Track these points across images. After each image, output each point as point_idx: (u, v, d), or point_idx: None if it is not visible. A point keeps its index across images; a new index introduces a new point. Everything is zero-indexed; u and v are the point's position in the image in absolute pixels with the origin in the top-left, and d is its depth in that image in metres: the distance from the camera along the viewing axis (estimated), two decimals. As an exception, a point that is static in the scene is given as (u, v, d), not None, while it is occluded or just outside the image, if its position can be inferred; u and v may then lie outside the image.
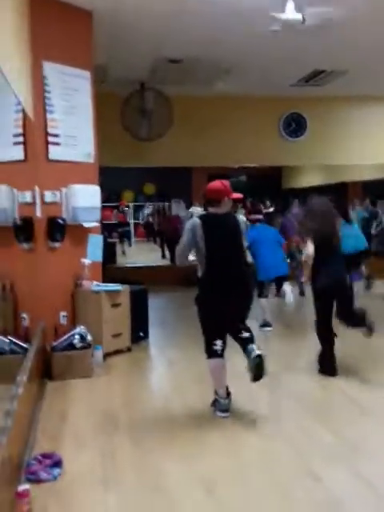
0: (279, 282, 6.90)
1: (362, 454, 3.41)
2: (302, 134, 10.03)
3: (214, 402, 4.09)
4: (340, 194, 14.80)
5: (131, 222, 18.30)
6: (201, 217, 3.96)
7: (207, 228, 3.85)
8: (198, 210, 12.52)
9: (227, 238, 3.92)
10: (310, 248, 4.81)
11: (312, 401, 4.39)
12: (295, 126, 10.00)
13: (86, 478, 3.14)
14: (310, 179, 19.43)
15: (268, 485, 3.04)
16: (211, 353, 3.99)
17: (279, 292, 7.17)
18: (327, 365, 4.89)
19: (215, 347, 3.96)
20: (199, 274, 3.95)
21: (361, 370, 5.02)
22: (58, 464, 3.22)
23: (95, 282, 5.47)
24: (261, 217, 7.04)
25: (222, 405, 4.02)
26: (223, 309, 3.91)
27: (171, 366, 5.43)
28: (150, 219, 17.93)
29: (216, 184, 4.01)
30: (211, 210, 4.01)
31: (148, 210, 18.42)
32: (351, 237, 6.61)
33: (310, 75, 8.44)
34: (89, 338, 5.02)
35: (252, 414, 4.04)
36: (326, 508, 2.81)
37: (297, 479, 3.10)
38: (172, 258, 12.20)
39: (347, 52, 7.30)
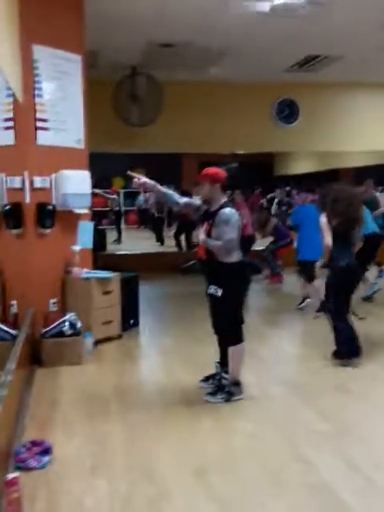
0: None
1: (352, 438, 3.44)
2: (295, 121, 9.96)
3: (227, 390, 4.07)
4: (331, 180, 14.81)
5: (122, 208, 18.19)
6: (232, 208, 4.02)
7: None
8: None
9: None
10: (328, 238, 4.89)
11: (302, 386, 4.41)
12: (288, 112, 9.93)
13: (76, 465, 3.14)
14: (302, 166, 19.43)
15: (259, 470, 3.06)
16: (241, 337, 4.07)
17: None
18: (352, 346, 4.82)
19: (242, 331, 4.08)
20: (230, 259, 3.93)
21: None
22: (47, 451, 3.21)
23: (85, 269, 5.44)
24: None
25: (239, 387, 4.09)
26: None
27: (162, 354, 5.43)
28: (147, 205, 17.84)
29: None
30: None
31: (145, 196, 18.30)
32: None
33: (303, 61, 8.37)
34: (79, 325, 5.01)
35: (243, 399, 4.06)
36: (316, 492, 2.83)
37: (287, 464, 3.12)
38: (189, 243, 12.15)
39: (341, 38, 7.24)
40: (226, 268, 3.94)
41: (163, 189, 4.13)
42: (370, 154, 13.31)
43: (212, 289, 3.99)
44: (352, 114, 10.12)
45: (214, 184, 3.96)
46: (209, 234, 3.95)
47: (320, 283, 6.11)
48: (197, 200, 4.26)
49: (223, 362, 4.19)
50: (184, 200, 4.20)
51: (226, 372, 4.14)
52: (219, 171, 4.03)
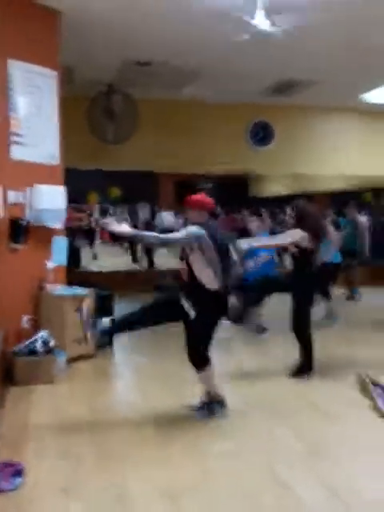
0: None
1: (327, 460, 3.38)
2: (270, 143, 10.08)
3: (209, 406, 4.05)
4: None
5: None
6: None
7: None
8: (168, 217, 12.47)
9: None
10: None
11: (278, 406, 4.36)
12: (262, 134, 10.04)
13: (48, 487, 3.04)
14: (276, 188, 19.65)
15: (235, 493, 2.99)
16: (208, 359, 4.00)
17: None
18: (311, 364, 4.99)
19: (207, 354, 4.01)
20: (212, 286, 3.89)
21: (326, 375, 5.04)
22: (19, 473, 3.10)
23: (59, 286, 5.34)
24: None
25: (223, 404, 4.06)
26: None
27: (135, 373, 5.34)
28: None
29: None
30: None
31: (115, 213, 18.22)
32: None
33: (277, 84, 8.51)
34: (52, 343, 4.89)
35: (216, 419, 4.00)
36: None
37: (264, 487, 3.06)
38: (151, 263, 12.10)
39: (315, 63, 7.39)
40: (205, 294, 3.91)
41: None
42: (345, 178, 13.51)
43: (186, 305, 3.95)
44: (326, 138, 10.28)
45: (201, 210, 3.97)
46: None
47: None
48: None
49: None
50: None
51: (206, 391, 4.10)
52: (205, 201, 4.04)
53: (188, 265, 3.94)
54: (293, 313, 4.99)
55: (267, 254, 6.50)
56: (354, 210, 9.36)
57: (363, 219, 9.48)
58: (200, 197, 4.07)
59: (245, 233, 8.36)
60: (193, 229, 3.86)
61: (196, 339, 3.98)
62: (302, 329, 5.00)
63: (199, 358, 3.98)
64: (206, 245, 3.86)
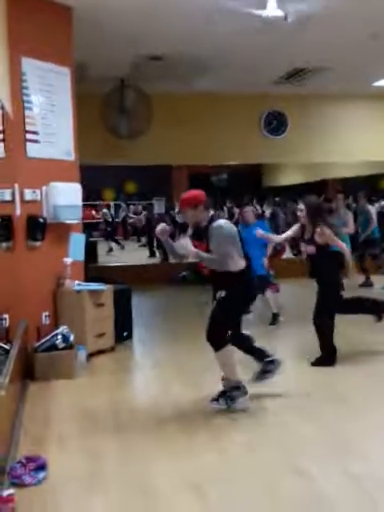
0: None
1: (349, 450, 3.39)
2: (283, 132, 10.02)
3: (229, 394, 4.04)
4: (320, 191, 14.94)
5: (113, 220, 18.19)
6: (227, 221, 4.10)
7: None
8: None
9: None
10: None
11: (300, 396, 4.36)
12: (276, 123, 9.99)
13: (72, 481, 3.08)
14: (290, 177, 19.55)
15: (256, 483, 3.01)
16: (226, 340, 4.02)
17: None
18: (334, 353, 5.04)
19: (227, 336, 4.06)
20: (233, 268, 3.95)
21: (346, 364, 5.04)
22: (42, 467, 3.15)
23: (77, 282, 5.39)
24: None
25: (243, 390, 4.05)
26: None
27: (155, 366, 5.38)
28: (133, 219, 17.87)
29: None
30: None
31: (125, 210, 18.32)
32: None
33: (290, 73, 8.45)
34: (71, 338, 4.95)
35: (237, 412, 4.01)
36: (314, 505, 2.78)
37: (284, 477, 3.07)
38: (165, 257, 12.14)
39: (328, 50, 7.31)
40: (230, 277, 3.96)
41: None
42: (358, 165, 13.42)
43: (219, 294, 4.00)
44: (340, 126, 10.20)
45: (196, 207, 3.98)
46: (207, 251, 3.95)
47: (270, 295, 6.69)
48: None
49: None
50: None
51: (223, 378, 4.11)
52: (196, 193, 4.06)
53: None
54: (317, 304, 5.03)
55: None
56: (364, 199, 9.37)
57: (371, 207, 9.47)
58: (190, 194, 4.09)
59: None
60: (224, 226, 3.91)
61: (218, 319, 3.99)
62: (323, 319, 5.00)
63: (217, 338, 3.99)
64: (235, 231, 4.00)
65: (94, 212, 17.44)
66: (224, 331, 4.05)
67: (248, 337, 4.39)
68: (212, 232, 3.90)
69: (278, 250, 8.84)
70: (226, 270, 3.96)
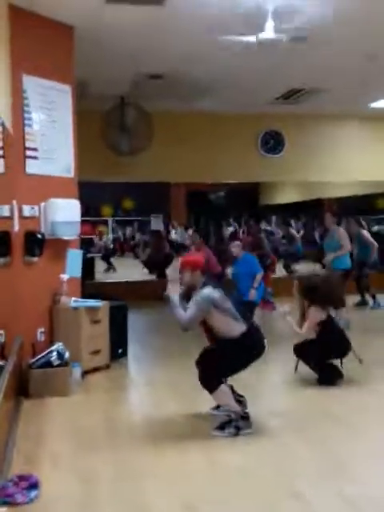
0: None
1: (345, 472, 3.37)
2: (280, 151, 10.13)
3: (237, 423, 3.98)
4: (316, 209, 15.03)
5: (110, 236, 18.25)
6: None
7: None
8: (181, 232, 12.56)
9: None
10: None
11: (296, 417, 4.36)
12: (273, 143, 10.10)
13: (64, 500, 3.05)
14: (286, 195, 19.64)
15: (251, 506, 2.98)
16: (220, 382, 4.01)
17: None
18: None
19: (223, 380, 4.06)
20: (232, 334, 3.98)
21: (343, 384, 5.04)
22: (34, 486, 3.12)
23: (74, 298, 5.39)
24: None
25: (247, 421, 4.01)
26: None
27: (150, 384, 5.35)
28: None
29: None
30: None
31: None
32: None
33: (287, 93, 8.56)
34: (67, 355, 4.93)
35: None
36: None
37: (280, 499, 3.05)
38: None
39: (324, 72, 7.42)
40: (235, 342, 3.97)
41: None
42: (354, 185, 13.52)
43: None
44: (336, 145, 10.31)
45: (194, 271, 4.08)
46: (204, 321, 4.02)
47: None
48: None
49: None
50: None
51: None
52: (197, 258, 4.25)
53: (208, 327, 4.03)
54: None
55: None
56: (355, 226, 9.53)
57: (365, 232, 9.61)
58: (192, 257, 4.29)
59: (258, 251, 8.57)
60: (204, 294, 3.97)
61: (212, 365, 4.00)
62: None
63: (210, 383, 3.99)
64: (220, 300, 3.99)
65: (96, 235, 17.47)
66: (221, 376, 4.03)
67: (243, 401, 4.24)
68: (194, 297, 4.00)
69: (268, 264, 8.95)
70: (225, 337, 3.98)
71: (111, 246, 17.06)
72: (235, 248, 7.22)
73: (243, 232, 16.96)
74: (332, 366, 5.10)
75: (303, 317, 5.19)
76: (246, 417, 4.03)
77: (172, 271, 4.20)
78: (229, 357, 3.98)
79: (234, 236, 14.10)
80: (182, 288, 4.16)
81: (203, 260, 4.26)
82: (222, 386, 4.00)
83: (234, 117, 9.60)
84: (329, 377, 5.02)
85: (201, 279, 4.09)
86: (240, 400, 4.18)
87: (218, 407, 4.19)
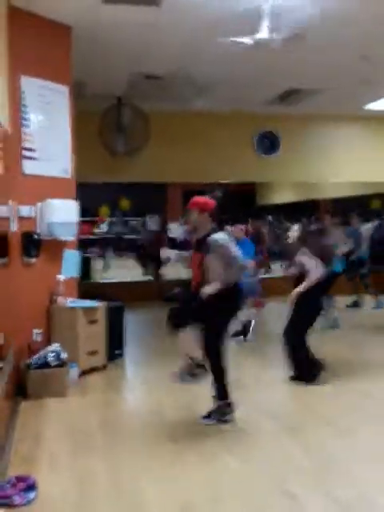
0: None
1: (337, 474, 3.39)
2: (276, 152, 10.15)
3: (219, 410, 4.09)
4: (312, 210, 15.05)
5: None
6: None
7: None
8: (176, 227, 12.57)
9: None
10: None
11: (288, 418, 4.38)
12: (269, 143, 10.12)
13: (61, 501, 3.06)
14: (282, 196, 19.67)
15: (245, 506, 3.00)
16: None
17: None
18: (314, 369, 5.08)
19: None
20: (221, 284, 3.96)
21: (338, 385, 5.06)
22: (32, 487, 3.12)
23: (70, 299, 5.39)
24: None
25: (233, 408, 4.11)
26: None
27: (147, 385, 5.36)
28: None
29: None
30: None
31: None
32: None
33: (283, 94, 8.57)
34: (64, 355, 4.93)
35: (227, 432, 4.02)
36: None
37: (274, 501, 3.06)
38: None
39: (320, 73, 7.44)
40: (221, 291, 3.97)
41: None
42: (350, 185, 13.55)
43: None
44: (332, 146, 10.32)
45: (202, 212, 4.05)
46: (201, 264, 3.98)
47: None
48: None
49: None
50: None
51: (216, 396, 4.15)
52: (208, 200, 4.15)
53: (202, 269, 4.01)
54: (290, 323, 5.11)
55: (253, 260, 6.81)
56: (356, 220, 9.52)
57: (364, 228, 9.59)
58: (203, 199, 4.19)
59: (257, 238, 8.56)
60: (223, 237, 4.01)
61: (188, 309, 4.11)
62: (295, 339, 5.11)
63: (176, 321, 4.11)
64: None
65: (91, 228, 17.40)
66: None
67: (225, 367, 4.24)
68: (215, 244, 3.98)
69: (258, 262, 9.01)
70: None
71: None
72: (237, 231, 7.13)
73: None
74: (312, 361, 5.13)
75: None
76: (229, 403, 4.13)
77: (170, 253, 4.24)
78: (220, 312, 4.02)
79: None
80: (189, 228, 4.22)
81: (213, 204, 4.18)
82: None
83: (230, 117, 9.60)
84: (311, 374, 5.08)
85: (208, 223, 4.08)
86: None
87: (208, 416, 4.18)
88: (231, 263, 3.96)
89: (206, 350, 4.10)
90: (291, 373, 5.17)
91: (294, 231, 5.22)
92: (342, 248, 7.62)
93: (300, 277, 5.08)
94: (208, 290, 3.94)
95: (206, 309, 3.99)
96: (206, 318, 4.05)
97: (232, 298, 4.08)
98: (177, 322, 4.12)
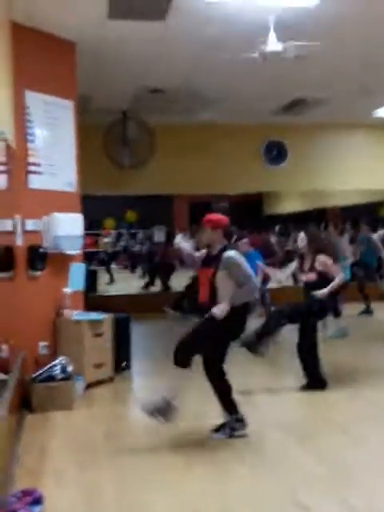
0: None
1: (350, 483, 3.36)
2: (283, 161, 10.16)
3: (229, 425, 4.07)
4: (319, 219, 15.04)
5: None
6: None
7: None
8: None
9: None
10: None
11: (298, 426, 4.35)
12: (276, 153, 10.14)
13: (67, 515, 3.05)
14: (290, 205, 19.66)
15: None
16: (189, 365, 4.00)
17: None
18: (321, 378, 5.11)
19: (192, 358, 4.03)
20: (232, 304, 3.91)
21: (347, 393, 5.03)
22: (38, 501, 3.11)
23: (76, 311, 5.40)
24: None
25: (242, 423, 4.08)
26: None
27: (154, 396, 5.32)
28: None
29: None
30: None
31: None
32: None
33: (290, 104, 8.60)
34: (70, 368, 4.93)
35: (236, 442, 4.00)
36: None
37: (284, 510, 3.04)
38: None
39: (326, 82, 7.46)
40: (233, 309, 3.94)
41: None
42: (357, 193, 13.54)
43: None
44: (338, 155, 10.34)
45: (215, 229, 4.06)
46: (211, 280, 3.97)
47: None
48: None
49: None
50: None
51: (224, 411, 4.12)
52: (221, 217, 4.17)
53: (212, 286, 3.98)
54: (301, 331, 5.13)
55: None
56: (365, 228, 9.53)
57: (375, 236, 9.58)
58: (217, 216, 4.18)
59: (266, 250, 8.57)
60: (234, 255, 3.97)
61: (195, 340, 3.99)
62: (308, 347, 5.11)
63: (183, 358, 3.95)
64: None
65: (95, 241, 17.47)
66: (194, 352, 3.99)
67: (229, 385, 4.18)
68: (229, 261, 3.94)
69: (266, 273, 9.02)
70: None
71: (109, 250, 16.91)
72: (243, 245, 7.19)
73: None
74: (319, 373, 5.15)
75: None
76: (241, 419, 4.08)
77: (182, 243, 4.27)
78: (218, 331, 3.93)
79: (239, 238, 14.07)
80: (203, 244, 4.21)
81: (227, 221, 4.16)
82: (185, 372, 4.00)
83: (236, 128, 9.64)
84: (319, 383, 5.10)
85: (222, 240, 4.06)
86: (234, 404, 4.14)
87: (218, 430, 4.15)
88: (244, 282, 3.93)
89: (208, 373, 4.09)
90: (303, 381, 5.15)
91: (302, 239, 5.25)
92: (348, 261, 7.67)
93: (312, 285, 5.07)
94: (218, 312, 3.87)
95: (212, 328, 3.95)
96: (211, 338, 4.00)
97: (240, 319, 4.03)
98: (184, 359, 4.00)
